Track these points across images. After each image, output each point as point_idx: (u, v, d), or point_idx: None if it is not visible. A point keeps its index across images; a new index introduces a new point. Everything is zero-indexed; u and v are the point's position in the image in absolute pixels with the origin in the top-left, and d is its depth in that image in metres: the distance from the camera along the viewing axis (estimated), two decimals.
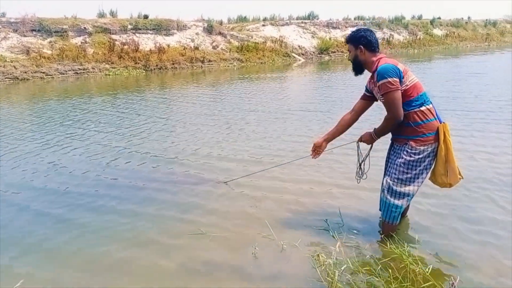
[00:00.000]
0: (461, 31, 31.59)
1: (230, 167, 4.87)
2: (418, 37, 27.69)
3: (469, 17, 34.61)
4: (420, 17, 31.89)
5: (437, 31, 29.99)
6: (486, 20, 35.30)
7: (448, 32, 30.35)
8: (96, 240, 3.35)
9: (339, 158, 4.86)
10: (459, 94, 9.48)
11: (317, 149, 3.38)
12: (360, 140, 3.24)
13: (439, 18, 32.21)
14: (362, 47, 3.01)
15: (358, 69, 3.12)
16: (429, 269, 2.72)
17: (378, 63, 2.94)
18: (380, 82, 2.85)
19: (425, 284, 2.59)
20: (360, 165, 3.39)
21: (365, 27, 3.59)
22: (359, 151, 3.35)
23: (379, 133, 3.06)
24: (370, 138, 3.15)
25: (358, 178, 3.43)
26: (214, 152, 5.46)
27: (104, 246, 3.26)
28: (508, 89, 9.92)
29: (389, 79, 2.81)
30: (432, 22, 30.54)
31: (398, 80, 2.81)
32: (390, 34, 26.03)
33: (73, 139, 6.33)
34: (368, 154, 3.32)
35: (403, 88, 2.85)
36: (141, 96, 10.58)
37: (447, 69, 15.37)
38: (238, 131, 6.60)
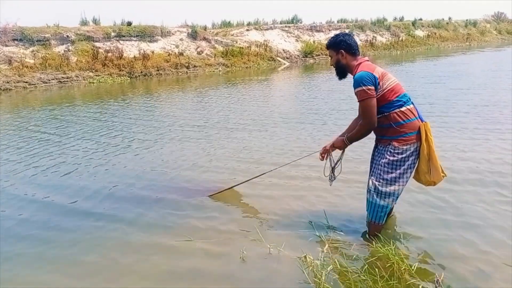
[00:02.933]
0: (443, 31, 32.08)
1: (215, 178, 4.76)
2: (400, 38, 28.02)
3: (450, 18, 35.17)
4: (402, 19, 32.28)
5: (419, 32, 30.41)
6: (467, 20, 35.89)
7: (429, 33, 30.79)
8: (82, 246, 3.35)
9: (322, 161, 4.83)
10: (437, 96, 9.62)
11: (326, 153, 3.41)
12: (332, 146, 3.29)
13: (421, 19, 32.69)
14: (343, 51, 3.07)
15: (341, 73, 3.18)
16: (415, 266, 2.76)
17: (357, 69, 2.99)
18: (356, 89, 2.93)
19: (411, 281, 2.63)
20: (333, 169, 3.45)
21: (344, 31, 3.65)
22: (330, 156, 3.42)
23: (351, 139, 3.11)
24: (342, 144, 3.20)
25: (330, 182, 3.52)
26: (198, 164, 5.32)
27: (89, 253, 3.26)
28: (486, 91, 10.13)
29: (364, 88, 2.88)
30: (413, 23, 30.95)
31: (373, 88, 2.88)
32: (373, 36, 26.31)
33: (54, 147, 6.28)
34: (341, 159, 3.39)
35: (379, 94, 2.91)
36: (125, 104, 10.51)
37: (429, 71, 15.58)
38: (222, 141, 6.59)
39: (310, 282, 2.69)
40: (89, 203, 4.23)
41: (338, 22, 28.30)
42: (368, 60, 3.06)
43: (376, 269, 2.73)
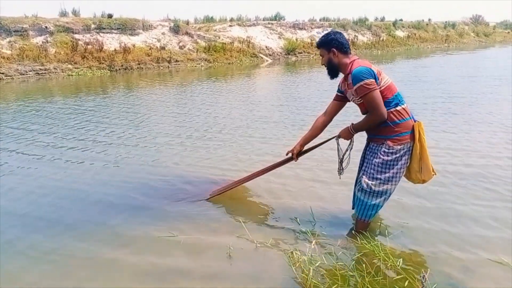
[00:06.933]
0: (422, 32, 32.57)
1: (202, 181, 4.62)
2: (381, 38, 28.33)
3: (429, 19, 35.76)
4: (383, 19, 32.67)
5: (399, 33, 30.79)
6: (446, 22, 36.55)
7: (409, 34, 31.21)
8: (60, 243, 3.26)
9: (308, 156, 4.76)
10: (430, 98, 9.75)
11: (294, 154, 3.43)
12: (339, 136, 3.23)
13: (401, 20, 33.11)
14: (334, 50, 3.02)
15: (333, 72, 3.12)
16: (400, 262, 2.78)
17: (351, 66, 2.95)
18: (356, 85, 2.87)
19: (397, 277, 2.65)
20: (341, 161, 3.35)
21: (334, 30, 3.62)
22: (339, 147, 3.32)
23: (357, 128, 3.06)
24: (348, 133, 3.14)
25: (339, 175, 3.41)
26: (186, 164, 5.23)
27: (66, 249, 3.18)
28: (471, 90, 10.33)
29: (365, 81, 2.83)
30: (394, 23, 31.33)
31: (374, 80, 2.84)
32: (355, 35, 26.51)
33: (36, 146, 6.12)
34: (348, 149, 3.28)
35: (379, 89, 2.88)
36: (105, 98, 10.33)
37: (416, 72, 15.77)
38: (209, 141, 6.53)
39: (298, 278, 2.68)
40: (69, 200, 4.13)
41: (320, 20, 28.45)
42: (359, 58, 3.04)
43: (363, 265, 2.75)
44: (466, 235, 3.22)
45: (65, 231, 3.45)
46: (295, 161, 3.51)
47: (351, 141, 3.24)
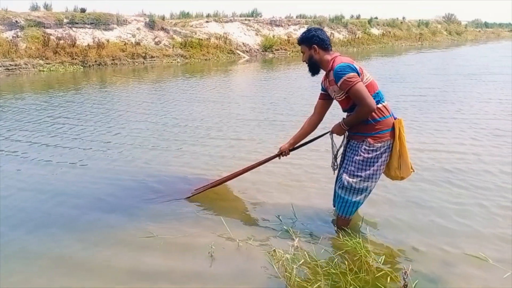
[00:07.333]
0: (397, 30, 33.11)
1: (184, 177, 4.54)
2: (356, 36, 28.67)
3: (403, 17, 36.38)
4: (358, 17, 33.04)
5: (375, 31, 31.22)
6: (419, 20, 37.26)
7: (384, 32, 31.68)
8: (37, 242, 3.16)
9: (296, 158, 4.64)
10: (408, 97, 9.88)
11: (283, 154, 3.41)
12: (332, 132, 3.21)
13: (376, 18, 33.57)
14: (315, 46, 2.99)
15: (314, 69, 3.09)
16: (382, 259, 2.79)
17: (333, 62, 2.93)
18: (340, 81, 2.85)
19: (379, 274, 2.66)
20: (335, 156, 3.32)
21: (315, 26, 3.57)
22: (333, 143, 3.29)
23: (348, 123, 3.02)
24: (340, 129, 3.11)
25: (333, 170, 3.36)
26: (166, 163, 5.12)
27: (44, 249, 3.08)
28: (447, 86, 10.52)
29: (347, 75, 2.81)
30: (369, 21, 31.74)
31: (355, 74, 2.83)
32: (331, 33, 26.72)
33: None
34: (342, 145, 3.25)
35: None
36: (76, 95, 10.07)
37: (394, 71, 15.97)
38: (186, 139, 6.43)
39: (281, 276, 2.66)
40: (32, 202, 3.96)
41: (297, 17, 28.57)
42: (340, 55, 3.03)
43: (346, 262, 2.75)
44: (447, 231, 3.24)
45: (28, 234, 3.31)
46: (279, 158, 3.48)
47: (344, 136, 3.21)
